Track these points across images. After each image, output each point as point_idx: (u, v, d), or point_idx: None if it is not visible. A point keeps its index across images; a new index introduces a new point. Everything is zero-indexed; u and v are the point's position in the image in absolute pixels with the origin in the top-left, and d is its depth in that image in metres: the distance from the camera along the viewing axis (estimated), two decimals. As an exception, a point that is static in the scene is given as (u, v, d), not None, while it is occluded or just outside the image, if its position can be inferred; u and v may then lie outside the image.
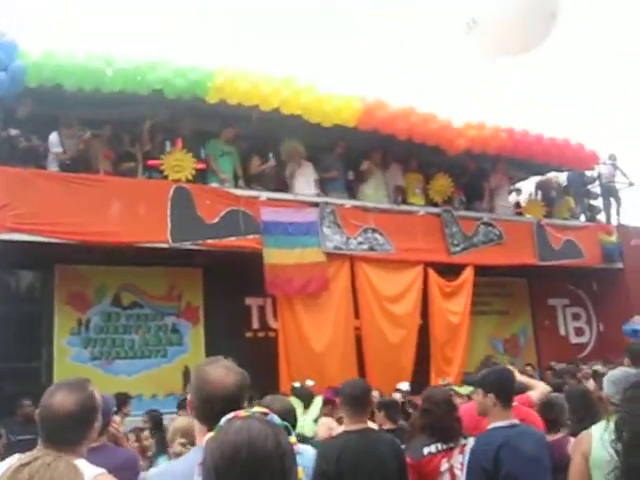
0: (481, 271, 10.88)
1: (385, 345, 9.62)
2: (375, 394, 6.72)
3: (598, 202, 13.46)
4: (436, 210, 10.79)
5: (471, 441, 3.72)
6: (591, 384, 7.57)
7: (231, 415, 1.55)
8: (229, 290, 9.45)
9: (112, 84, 7.96)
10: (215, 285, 9.49)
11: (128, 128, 8.96)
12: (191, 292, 9.51)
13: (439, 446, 3.94)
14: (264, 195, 9.23)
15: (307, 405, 6.95)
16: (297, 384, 7.79)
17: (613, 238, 12.55)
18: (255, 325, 10.04)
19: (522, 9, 6.09)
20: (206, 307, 9.55)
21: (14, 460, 1.95)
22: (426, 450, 3.93)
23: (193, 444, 3.36)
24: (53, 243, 7.74)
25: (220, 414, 1.57)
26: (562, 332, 13.01)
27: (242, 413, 1.55)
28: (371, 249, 9.80)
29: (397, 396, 7.81)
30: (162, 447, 4.95)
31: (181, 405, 6.78)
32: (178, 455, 3.46)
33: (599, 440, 2.93)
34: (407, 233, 10.22)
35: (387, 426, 5.31)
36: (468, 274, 10.70)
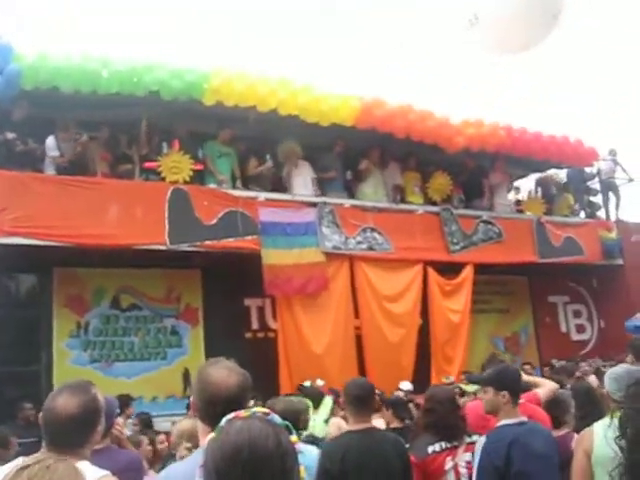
0: (481, 269, 10.88)
1: (385, 344, 9.62)
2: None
3: (598, 199, 13.46)
4: (435, 209, 10.79)
5: (479, 439, 3.70)
6: (593, 381, 7.58)
7: (232, 415, 1.55)
8: (228, 291, 9.44)
9: (108, 86, 7.96)
10: (214, 286, 9.49)
11: (125, 130, 8.96)
12: (190, 294, 9.51)
13: (443, 445, 3.95)
14: (262, 196, 9.24)
15: (316, 405, 6.92)
16: (307, 383, 7.79)
17: (613, 234, 12.55)
18: (254, 326, 10.04)
19: (523, 6, 6.09)
20: (205, 308, 9.55)
21: (17, 463, 1.97)
22: (430, 449, 3.93)
23: (195, 447, 3.39)
24: (51, 246, 7.75)
25: (223, 415, 1.57)
26: (563, 329, 13.01)
27: (243, 413, 1.55)
28: (370, 248, 9.80)
29: (400, 394, 7.82)
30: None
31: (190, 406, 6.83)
32: (182, 459, 3.45)
33: (602, 437, 2.94)
34: (406, 232, 10.21)
35: (394, 424, 5.36)
36: (468, 272, 10.69)
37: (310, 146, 9.98)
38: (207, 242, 8.57)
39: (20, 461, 1.99)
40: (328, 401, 7.09)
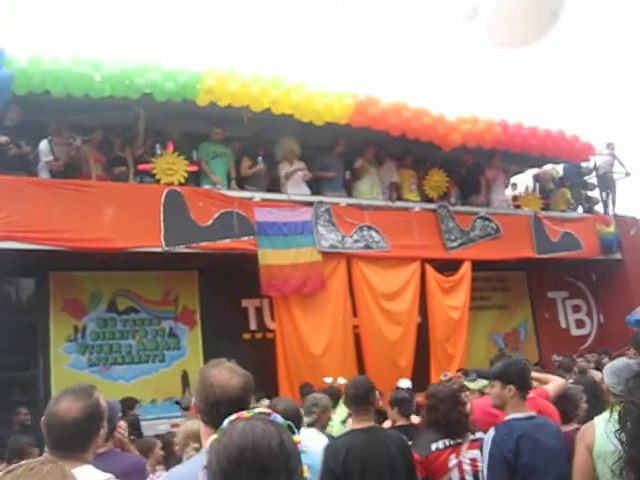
0: (479, 266, 10.88)
1: (384, 343, 9.62)
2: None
3: (595, 193, 13.47)
4: (431, 206, 10.78)
5: (489, 431, 3.69)
6: (597, 375, 7.58)
7: (234, 416, 1.55)
8: (226, 292, 9.45)
9: (101, 89, 7.94)
10: (211, 288, 9.48)
11: (119, 133, 8.96)
12: (187, 295, 9.50)
13: (447, 442, 3.98)
14: (258, 196, 9.23)
15: (335, 404, 6.90)
16: (329, 379, 7.77)
17: (611, 229, 12.56)
18: (253, 327, 10.03)
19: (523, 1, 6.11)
20: (203, 310, 9.54)
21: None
22: (434, 446, 3.97)
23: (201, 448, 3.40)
24: (46, 250, 7.73)
25: (226, 416, 1.58)
26: (563, 325, 13.01)
27: (245, 414, 1.56)
28: (367, 247, 9.79)
29: (403, 392, 7.78)
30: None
31: (187, 408, 6.82)
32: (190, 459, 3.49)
33: (602, 431, 2.95)
34: (403, 230, 10.21)
35: (400, 422, 5.31)
36: (466, 269, 10.69)
37: (308, 145, 9.99)
38: (203, 243, 8.56)
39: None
40: None
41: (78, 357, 8.61)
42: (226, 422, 1.55)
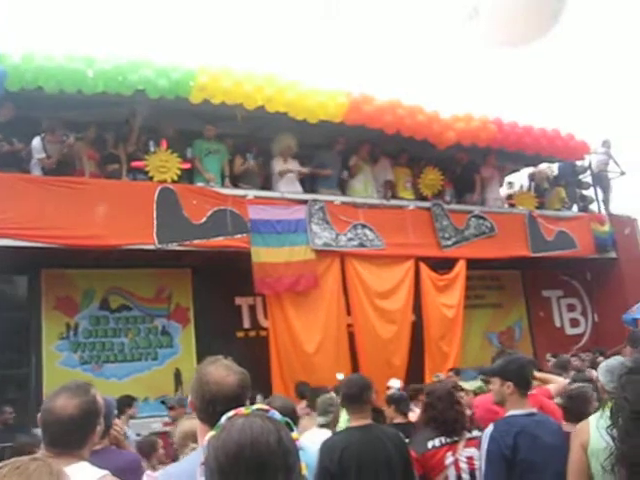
0: (473, 264, 10.90)
1: (378, 342, 9.63)
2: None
3: (590, 192, 13.51)
4: (426, 204, 10.80)
5: (488, 427, 3.72)
6: (594, 374, 7.62)
7: (232, 413, 1.56)
8: (219, 290, 9.46)
9: (94, 85, 7.94)
10: (205, 285, 9.49)
11: (112, 129, 8.96)
12: (180, 293, 9.51)
13: (443, 440, 4.01)
14: (251, 194, 9.24)
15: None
16: (341, 375, 7.78)
17: (606, 228, 12.61)
18: (246, 325, 10.04)
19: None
20: (196, 308, 9.55)
21: None
22: (430, 444, 4.00)
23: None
24: (39, 248, 7.74)
25: (222, 414, 1.59)
26: (557, 323, 13.06)
27: (243, 411, 1.57)
28: (361, 245, 9.81)
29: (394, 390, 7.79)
30: None
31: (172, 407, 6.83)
32: None
33: (595, 429, 2.97)
34: (397, 228, 10.23)
35: (398, 420, 5.34)
36: (461, 268, 10.72)
37: (303, 144, 9.98)
38: (196, 241, 8.57)
39: None
40: None
41: (70, 355, 8.61)
42: (224, 419, 1.56)
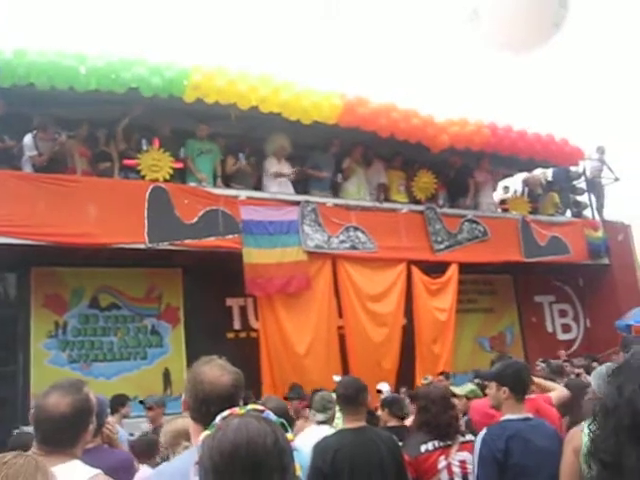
0: (466, 268, 10.96)
1: (369, 344, 9.67)
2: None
3: (584, 198, 13.60)
4: (419, 208, 10.85)
5: (479, 434, 3.75)
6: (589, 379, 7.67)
7: (226, 413, 1.58)
8: (210, 290, 9.49)
9: (86, 82, 7.94)
10: (195, 286, 9.51)
11: (104, 127, 8.98)
12: (171, 293, 9.52)
13: (436, 443, 4.02)
14: (243, 194, 9.27)
15: None
16: (338, 378, 7.79)
17: (599, 234, 12.70)
18: (237, 326, 10.06)
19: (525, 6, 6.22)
20: (186, 308, 9.57)
21: None
22: (423, 447, 4.01)
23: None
24: (28, 245, 7.74)
25: (216, 414, 1.60)
26: (549, 329, 13.13)
27: (238, 410, 1.58)
28: (353, 247, 9.85)
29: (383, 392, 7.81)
30: None
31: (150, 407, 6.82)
32: None
33: (586, 433, 3.01)
34: (390, 231, 10.28)
35: (392, 423, 5.35)
36: (453, 272, 10.77)
37: (297, 144, 10.01)
38: (187, 241, 8.58)
39: None
40: None
41: (58, 353, 8.60)
42: (218, 418, 1.57)
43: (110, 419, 4.19)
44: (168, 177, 8.77)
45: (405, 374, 9.66)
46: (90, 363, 8.77)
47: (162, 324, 9.42)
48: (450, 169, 11.74)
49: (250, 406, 1.62)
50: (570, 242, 12.25)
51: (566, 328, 13.23)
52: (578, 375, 8.38)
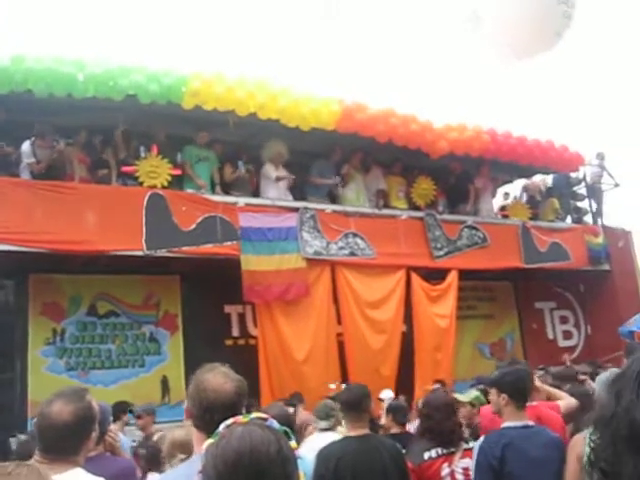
0: (466, 275, 10.99)
1: (368, 351, 9.69)
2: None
3: (584, 204, 13.64)
4: (418, 214, 10.88)
5: (477, 441, 3.77)
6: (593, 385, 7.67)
7: (230, 421, 1.58)
8: (208, 297, 9.52)
9: (84, 89, 7.99)
10: (193, 293, 9.54)
11: (102, 134, 9.03)
12: (169, 300, 9.54)
13: (439, 451, 4.05)
14: (242, 201, 9.30)
15: None
16: (333, 385, 7.81)
17: (600, 240, 12.73)
18: (235, 333, 10.06)
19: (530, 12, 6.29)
20: (185, 315, 9.58)
21: None
22: (426, 455, 4.03)
23: (189, 457, 3.43)
24: (26, 252, 7.77)
25: (219, 422, 1.61)
26: (550, 336, 13.14)
27: (241, 419, 1.59)
28: (352, 254, 9.88)
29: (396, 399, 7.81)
30: None
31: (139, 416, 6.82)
32: None
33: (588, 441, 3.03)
34: (389, 237, 10.31)
35: (394, 430, 5.36)
36: (453, 278, 10.80)
37: (295, 151, 10.06)
38: (185, 248, 8.62)
39: None
40: None
41: (56, 361, 8.62)
42: (222, 427, 1.57)
43: (112, 427, 4.20)
44: (166, 184, 8.80)
45: (404, 381, 9.67)
46: (88, 371, 8.79)
47: (160, 331, 9.44)
48: (450, 175, 11.78)
49: (254, 414, 1.63)
50: (570, 248, 12.28)
51: (567, 335, 13.24)
52: (582, 382, 8.39)
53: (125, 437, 6.11)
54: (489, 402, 4.48)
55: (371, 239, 10.07)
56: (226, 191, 9.57)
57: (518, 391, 3.75)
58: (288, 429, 1.60)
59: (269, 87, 9.23)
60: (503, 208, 13.03)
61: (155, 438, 4.90)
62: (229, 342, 10.00)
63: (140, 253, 8.33)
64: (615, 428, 1.40)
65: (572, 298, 13.42)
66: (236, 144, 9.91)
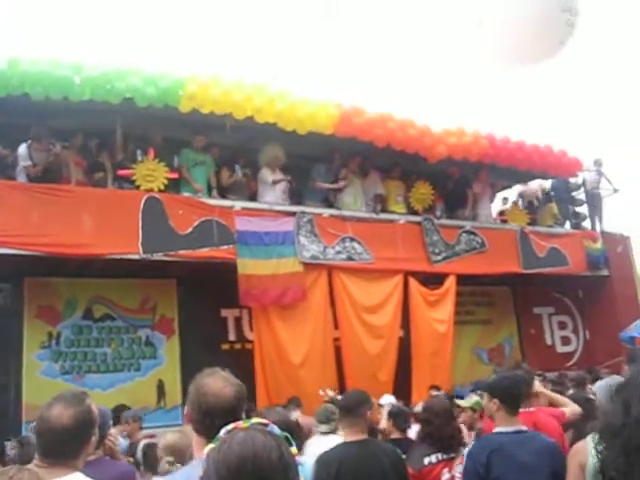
0: (464, 280, 11.01)
1: (365, 356, 9.70)
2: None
3: (583, 209, 13.69)
4: (416, 218, 10.91)
5: (467, 447, 3.82)
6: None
7: (231, 426, 1.59)
8: (204, 301, 9.54)
9: (81, 92, 8.01)
10: (190, 296, 9.57)
11: (99, 137, 9.07)
12: (165, 304, 9.57)
13: (439, 456, 4.09)
14: (238, 205, 9.33)
15: None
16: (322, 391, 7.84)
17: (598, 245, 12.78)
18: (231, 337, 10.10)
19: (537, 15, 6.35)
20: (181, 319, 9.61)
21: None
22: (426, 460, 4.07)
23: (181, 462, 3.41)
24: (22, 255, 7.79)
25: (219, 427, 1.62)
26: (548, 341, 13.18)
27: (242, 424, 1.60)
28: (349, 259, 9.90)
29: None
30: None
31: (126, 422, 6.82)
32: (165, 474, 3.50)
33: (592, 449, 3.05)
34: (387, 242, 10.33)
35: (395, 435, 5.35)
36: (451, 283, 10.83)
37: (293, 155, 10.09)
38: (182, 251, 8.64)
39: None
40: None
41: (51, 364, 8.64)
42: (223, 432, 1.58)
43: (112, 430, 4.21)
44: (163, 187, 8.83)
45: (401, 386, 9.68)
46: (83, 374, 8.81)
47: (156, 335, 9.47)
48: (448, 180, 11.82)
49: (254, 419, 1.64)
50: (569, 253, 12.32)
51: (565, 340, 13.29)
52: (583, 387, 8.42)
53: (125, 441, 6.14)
54: None
55: (368, 244, 10.09)
56: (223, 195, 9.59)
57: (510, 397, 3.75)
58: (289, 435, 1.62)
59: (266, 90, 9.25)
60: (502, 213, 13.07)
61: (141, 446, 4.91)
62: (225, 346, 10.03)
63: (136, 257, 8.36)
64: (627, 438, 1.40)
65: (571, 303, 13.47)
66: (233, 148, 9.95)
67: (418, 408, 6.66)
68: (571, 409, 4.86)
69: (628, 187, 13.94)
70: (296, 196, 10.26)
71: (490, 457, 3.52)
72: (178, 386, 9.21)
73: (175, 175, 9.10)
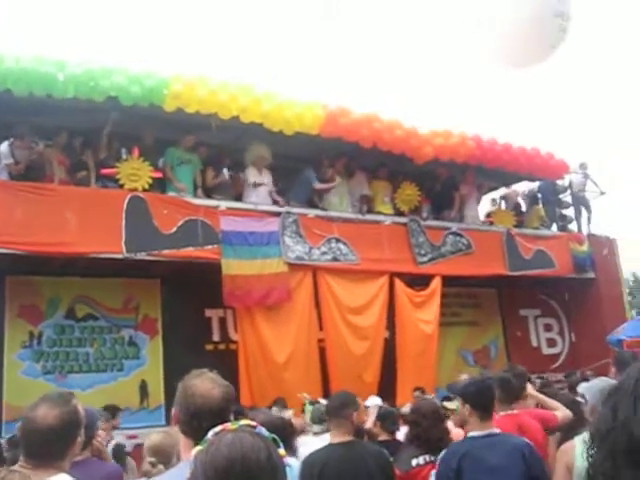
0: (450, 281, 11.07)
1: (350, 357, 9.74)
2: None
3: (569, 211, 13.81)
4: (402, 219, 10.96)
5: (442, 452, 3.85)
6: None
7: (219, 428, 1.60)
8: (188, 301, 9.54)
9: (64, 90, 8.00)
10: (174, 296, 9.56)
11: (83, 136, 9.06)
12: (149, 304, 9.56)
13: (427, 458, 4.14)
14: (224, 205, 9.35)
15: None
16: (300, 395, 7.87)
17: (584, 248, 12.87)
18: (216, 337, 10.09)
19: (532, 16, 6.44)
20: (164, 319, 9.60)
21: None
22: (414, 462, 4.13)
23: (164, 463, 3.42)
24: (3, 254, 7.80)
25: (207, 428, 1.64)
26: (534, 343, 13.25)
27: (230, 426, 1.61)
28: (335, 259, 9.94)
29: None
30: None
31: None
32: (146, 474, 3.54)
33: (580, 450, 3.06)
34: (372, 243, 10.37)
35: (383, 437, 5.38)
36: (437, 284, 10.88)
37: (279, 155, 10.12)
38: (166, 251, 8.65)
39: None
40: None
41: (32, 364, 8.62)
42: (211, 433, 1.59)
43: (100, 432, 4.21)
44: (147, 187, 8.83)
45: (387, 387, 9.72)
46: (65, 374, 8.79)
47: (139, 335, 9.46)
48: (435, 182, 11.89)
49: (242, 421, 1.65)
50: (555, 256, 12.41)
51: (551, 342, 13.37)
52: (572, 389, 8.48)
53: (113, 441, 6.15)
54: None
55: (354, 244, 10.13)
56: (208, 195, 9.62)
57: (480, 402, 3.80)
58: (276, 436, 1.63)
59: (252, 90, 9.27)
60: (488, 215, 13.16)
61: (110, 447, 4.93)
62: (209, 347, 10.02)
63: (120, 256, 8.37)
64: (613, 442, 1.44)
65: (557, 306, 13.55)
66: (219, 147, 9.95)
67: (406, 409, 6.72)
68: (563, 414, 4.88)
69: (614, 191, 14.09)
70: (284, 197, 10.23)
71: (461, 462, 3.57)
72: (161, 387, 9.22)
73: (159, 174, 9.11)
